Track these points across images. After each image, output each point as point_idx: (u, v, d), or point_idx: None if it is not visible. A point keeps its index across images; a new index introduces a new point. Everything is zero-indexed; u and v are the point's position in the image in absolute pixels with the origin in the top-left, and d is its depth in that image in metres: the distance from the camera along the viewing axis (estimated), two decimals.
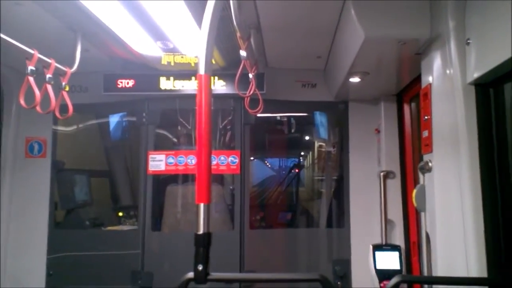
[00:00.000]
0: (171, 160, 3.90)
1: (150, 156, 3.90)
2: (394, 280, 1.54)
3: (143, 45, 3.28)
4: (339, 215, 4.12)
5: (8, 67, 3.57)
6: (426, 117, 2.48)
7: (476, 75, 2.01)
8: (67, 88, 2.92)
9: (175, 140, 4.59)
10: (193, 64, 3.57)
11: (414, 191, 2.60)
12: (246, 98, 3.05)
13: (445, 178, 2.26)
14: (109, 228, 4.24)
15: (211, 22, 1.54)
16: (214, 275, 1.42)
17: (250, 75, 2.96)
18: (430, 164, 2.43)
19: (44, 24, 2.86)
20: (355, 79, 3.16)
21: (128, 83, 3.76)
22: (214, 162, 3.82)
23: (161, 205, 4.08)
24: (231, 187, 4.22)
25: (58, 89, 2.85)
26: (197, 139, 1.48)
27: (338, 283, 3.81)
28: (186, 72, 3.71)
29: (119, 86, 3.75)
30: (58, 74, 2.85)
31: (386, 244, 3.48)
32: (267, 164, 7.40)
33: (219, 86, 3.73)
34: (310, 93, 3.94)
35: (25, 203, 3.91)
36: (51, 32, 2.97)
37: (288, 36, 3.09)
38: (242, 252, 3.80)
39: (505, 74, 1.88)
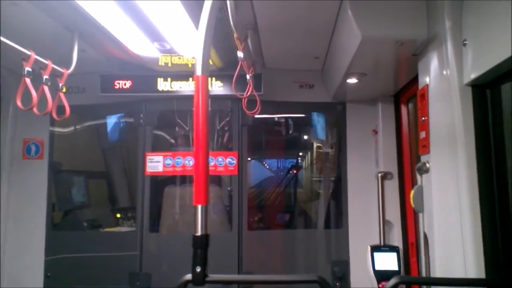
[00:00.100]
0: (168, 161, 3.89)
1: (148, 157, 3.90)
2: (392, 281, 1.54)
3: (140, 46, 3.28)
4: (337, 216, 4.12)
5: (5, 68, 3.56)
6: (423, 118, 2.48)
7: (473, 76, 2.01)
8: (64, 89, 2.91)
9: (172, 141, 4.58)
10: (190, 65, 3.57)
11: (412, 192, 2.60)
12: (243, 99, 3.05)
13: (443, 178, 2.26)
14: (107, 229, 4.22)
15: (208, 22, 1.54)
16: (212, 276, 1.41)
17: (248, 76, 2.96)
18: (427, 165, 2.43)
19: (40, 25, 2.85)
20: (352, 80, 3.16)
21: (125, 84, 3.75)
22: (212, 163, 3.82)
23: (159, 206, 4.08)
24: (229, 188, 4.21)
25: (55, 90, 2.84)
26: (195, 140, 1.47)
27: (337, 284, 3.80)
28: (183, 73, 3.71)
29: (116, 87, 3.75)
30: (55, 75, 2.85)
31: (384, 245, 3.48)
32: (265, 165, 7.41)
33: (217, 87, 3.73)
34: (307, 94, 3.94)
35: (22, 204, 3.90)
36: (47, 33, 2.96)
37: (286, 36, 3.09)
38: (240, 254, 3.79)
39: (502, 74, 1.89)
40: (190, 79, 3.73)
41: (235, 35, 2.46)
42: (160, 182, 4.20)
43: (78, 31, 3.02)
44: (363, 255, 3.43)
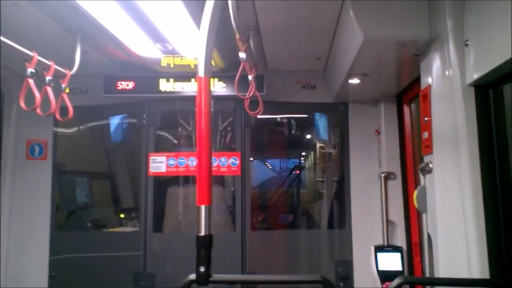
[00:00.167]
0: (171, 161, 3.90)
1: (151, 157, 3.90)
2: (396, 281, 1.54)
3: (142, 47, 3.28)
4: (340, 216, 4.12)
5: (8, 69, 3.58)
6: (426, 119, 2.48)
7: (475, 76, 2.01)
8: (67, 90, 2.92)
9: (175, 141, 4.59)
10: (192, 66, 3.57)
11: (415, 192, 2.60)
12: (246, 100, 3.05)
13: (446, 179, 2.26)
14: (111, 229, 4.24)
15: (210, 23, 1.54)
16: (216, 276, 1.42)
17: (250, 77, 2.96)
18: (430, 165, 2.43)
19: (43, 26, 2.86)
20: (354, 81, 3.16)
21: (128, 85, 3.76)
22: (214, 164, 3.82)
23: (162, 206, 4.08)
24: (232, 189, 4.22)
25: (58, 91, 2.85)
26: (198, 141, 1.47)
27: (341, 284, 3.80)
28: (185, 74, 3.72)
29: (119, 88, 3.76)
30: (57, 76, 2.85)
31: (388, 245, 3.48)
32: (268, 165, 7.41)
33: (219, 88, 3.74)
34: (309, 95, 3.94)
35: (26, 205, 3.91)
36: (50, 34, 2.97)
37: (287, 37, 3.09)
38: (244, 254, 3.80)
39: (505, 75, 1.88)
40: (193, 80, 3.74)
41: (237, 36, 2.47)
42: (164, 183, 4.21)
43: (81, 32, 3.03)
44: (366, 256, 3.44)
